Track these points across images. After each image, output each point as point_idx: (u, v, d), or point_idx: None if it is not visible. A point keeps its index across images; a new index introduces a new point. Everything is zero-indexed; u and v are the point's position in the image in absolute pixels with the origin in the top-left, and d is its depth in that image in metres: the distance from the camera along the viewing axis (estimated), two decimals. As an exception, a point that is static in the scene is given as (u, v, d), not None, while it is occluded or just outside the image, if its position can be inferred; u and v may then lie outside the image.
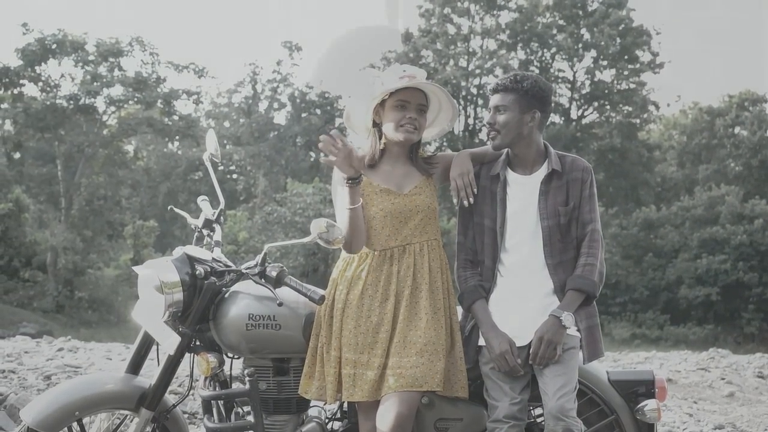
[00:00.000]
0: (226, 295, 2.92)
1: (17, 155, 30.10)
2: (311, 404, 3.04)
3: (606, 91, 32.96)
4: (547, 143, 3.09)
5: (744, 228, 28.24)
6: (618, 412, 3.09)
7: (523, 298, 2.96)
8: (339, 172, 2.99)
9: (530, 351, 2.87)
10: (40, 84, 28.71)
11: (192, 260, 2.87)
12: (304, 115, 34.40)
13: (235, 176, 37.04)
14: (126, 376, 2.94)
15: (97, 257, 28.60)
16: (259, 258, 2.84)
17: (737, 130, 33.88)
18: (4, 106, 27.96)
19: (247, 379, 2.88)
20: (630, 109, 32.82)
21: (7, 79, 28.11)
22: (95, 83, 28.09)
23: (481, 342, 2.96)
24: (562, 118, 33.03)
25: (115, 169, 29.99)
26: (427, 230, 3.00)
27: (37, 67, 28.31)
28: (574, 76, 33.15)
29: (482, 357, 2.96)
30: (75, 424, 2.83)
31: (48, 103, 27.94)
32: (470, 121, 32.41)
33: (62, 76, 28.86)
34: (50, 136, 28.59)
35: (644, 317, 28.08)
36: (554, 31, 32.46)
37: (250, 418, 2.89)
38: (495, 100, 3.02)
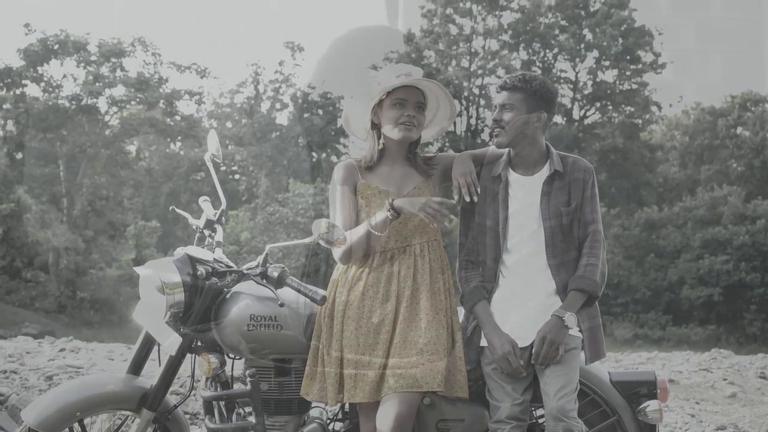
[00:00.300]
0: (228, 296, 2.91)
1: (19, 155, 30.06)
2: (313, 405, 3.03)
3: (608, 92, 32.88)
4: (549, 144, 3.09)
5: (746, 228, 28.17)
6: (620, 413, 3.08)
7: (525, 299, 2.96)
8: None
9: (533, 351, 2.87)
10: (43, 84, 28.71)
11: (193, 261, 2.87)
12: (306, 115, 34.35)
13: (237, 176, 37.00)
14: (127, 376, 2.94)
15: (99, 257, 28.56)
16: (260, 258, 2.84)
17: (739, 130, 33.77)
18: (7, 106, 27.93)
19: (248, 379, 2.88)
20: (632, 109, 32.74)
21: (9, 80, 28.13)
22: (97, 84, 28.09)
23: (483, 343, 2.96)
24: (564, 119, 32.96)
25: (117, 169, 29.97)
26: (427, 231, 2.99)
27: (39, 68, 28.32)
28: (576, 77, 33.09)
29: (484, 358, 2.95)
30: (76, 425, 2.82)
31: (50, 103, 27.92)
32: (472, 121, 32.37)
33: (64, 76, 28.86)
34: (52, 137, 28.57)
35: (646, 318, 28.01)
36: (556, 32, 32.41)
37: (252, 419, 2.89)
38: (502, 97, 3.00)
